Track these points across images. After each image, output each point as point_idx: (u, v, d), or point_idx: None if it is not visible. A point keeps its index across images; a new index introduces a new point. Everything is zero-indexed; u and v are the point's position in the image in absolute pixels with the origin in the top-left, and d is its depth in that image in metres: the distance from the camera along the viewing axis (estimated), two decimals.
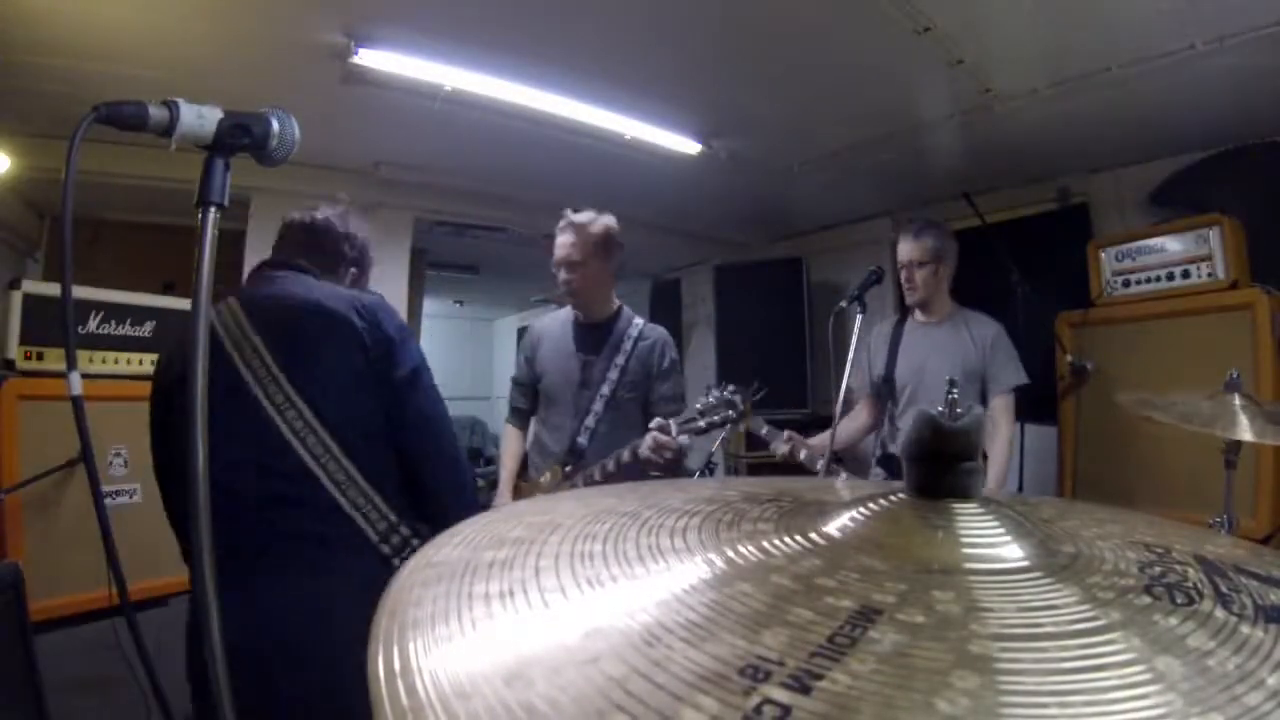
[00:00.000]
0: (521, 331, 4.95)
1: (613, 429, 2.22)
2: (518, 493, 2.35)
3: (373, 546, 1.13)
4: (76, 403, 0.75)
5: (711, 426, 2.02)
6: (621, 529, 0.41)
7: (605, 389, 2.21)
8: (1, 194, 2.90)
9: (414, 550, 0.47)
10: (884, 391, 2.43)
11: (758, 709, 0.24)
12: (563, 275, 2.24)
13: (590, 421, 2.21)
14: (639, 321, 2.33)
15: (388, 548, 1.14)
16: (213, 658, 0.69)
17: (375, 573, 1.09)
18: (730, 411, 2.02)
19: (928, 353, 2.36)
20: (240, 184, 2.18)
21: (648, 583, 0.34)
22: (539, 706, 0.25)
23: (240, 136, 0.78)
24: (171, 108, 0.75)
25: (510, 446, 2.43)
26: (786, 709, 0.24)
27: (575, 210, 2.26)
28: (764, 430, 2.37)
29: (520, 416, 2.45)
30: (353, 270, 1.51)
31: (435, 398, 1.29)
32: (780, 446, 2.32)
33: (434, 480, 1.24)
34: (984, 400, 2.24)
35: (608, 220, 2.26)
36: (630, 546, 0.38)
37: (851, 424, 2.50)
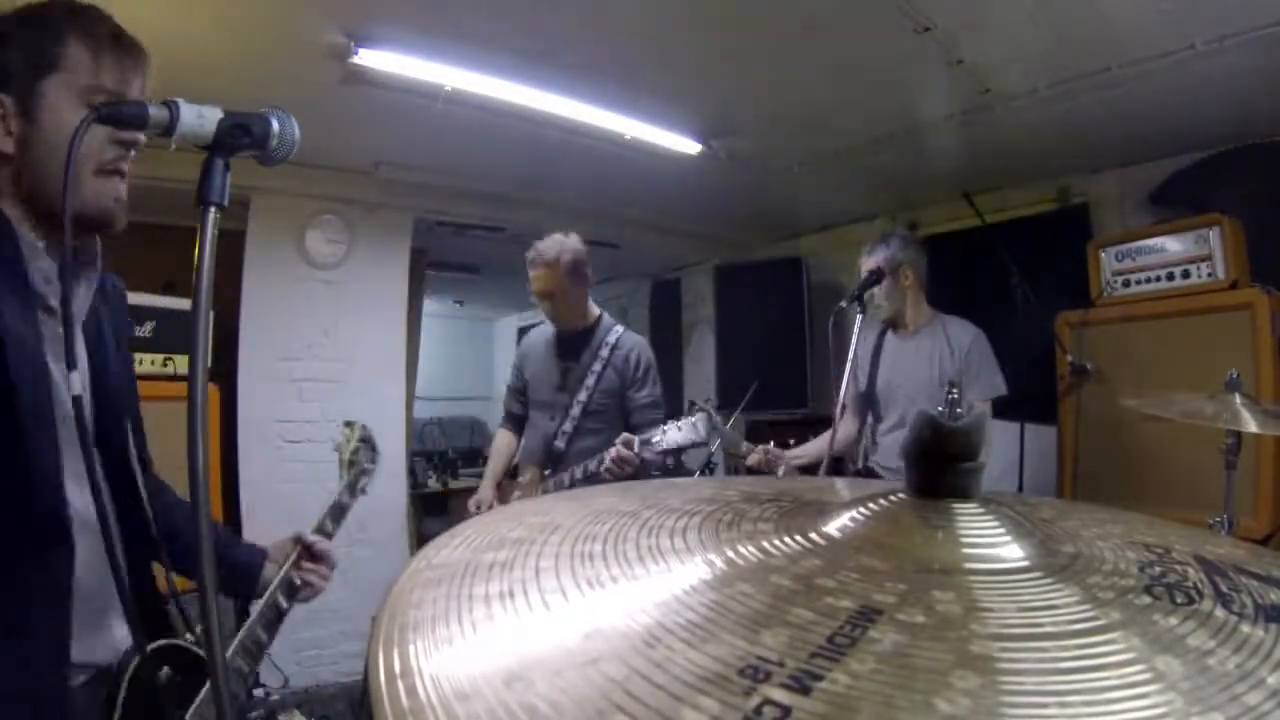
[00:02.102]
0: (521, 332, 4.97)
1: (589, 434, 2.34)
2: (500, 490, 2.50)
3: None
4: (76, 403, 0.75)
5: (667, 453, 2.10)
6: (621, 529, 0.41)
7: (581, 395, 2.35)
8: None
9: None
10: (866, 406, 2.44)
11: (758, 709, 0.24)
12: (544, 306, 2.39)
13: (567, 426, 2.35)
14: (618, 329, 2.44)
15: None
16: (213, 657, 0.69)
17: None
18: (694, 437, 2.10)
19: (903, 366, 2.36)
20: (240, 184, 2.19)
21: (648, 583, 0.34)
22: (539, 708, 0.25)
23: (240, 136, 0.78)
24: (171, 108, 0.75)
25: (499, 447, 2.59)
26: (786, 709, 0.24)
27: (541, 239, 2.37)
28: (743, 447, 2.49)
29: (512, 421, 2.60)
30: None
31: None
32: (754, 456, 2.41)
33: None
34: None
35: (574, 246, 2.35)
36: (630, 547, 0.38)
37: (835, 436, 2.50)
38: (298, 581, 1.22)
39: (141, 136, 0.88)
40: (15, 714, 0.82)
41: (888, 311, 2.36)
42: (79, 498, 0.86)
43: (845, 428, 2.51)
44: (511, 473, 2.57)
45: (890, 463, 2.35)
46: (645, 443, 2.09)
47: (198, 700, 0.97)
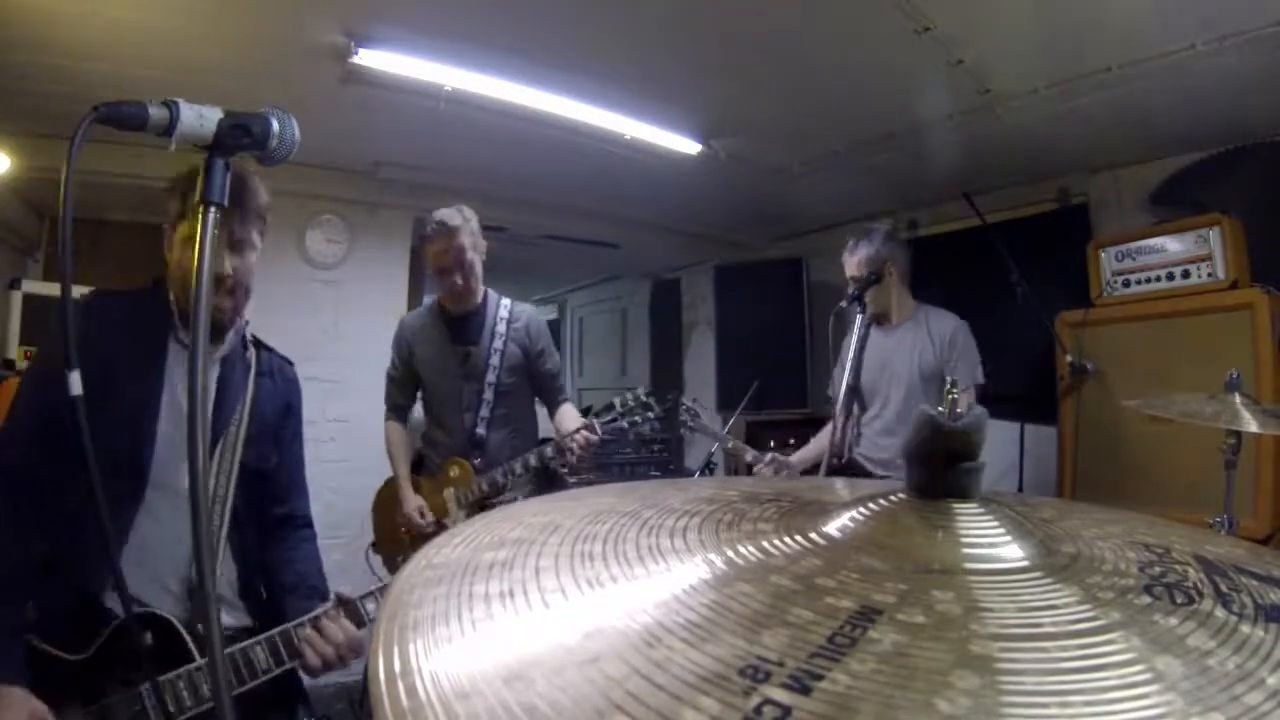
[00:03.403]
0: None
1: (506, 414, 2.28)
2: (418, 489, 2.34)
3: None
4: (76, 402, 0.75)
5: (632, 426, 2.14)
6: (621, 529, 0.41)
7: (490, 377, 2.25)
8: (1, 194, 2.90)
9: None
10: (852, 399, 2.44)
11: (758, 709, 0.24)
12: (449, 282, 2.25)
13: (485, 412, 2.25)
14: (505, 302, 2.34)
15: None
16: (213, 657, 0.69)
17: None
18: (649, 413, 2.14)
19: (886, 358, 2.38)
20: None
21: (648, 583, 0.34)
22: (539, 707, 0.25)
23: (240, 136, 0.79)
24: (171, 108, 0.75)
25: (397, 442, 2.40)
26: (786, 709, 0.24)
27: (434, 211, 2.29)
28: (749, 455, 2.50)
29: (401, 413, 2.44)
30: None
31: None
32: (764, 469, 2.40)
33: None
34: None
35: (472, 215, 2.29)
36: (630, 547, 0.38)
37: (825, 437, 2.51)
38: (295, 640, 1.19)
39: (228, 266, 1.25)
40: (55, 626, 1.12)
41: (874, 308, 2.37)
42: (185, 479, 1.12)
43: (837, 429, 2.52)
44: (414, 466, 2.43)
45: (872, 453, 2.37)
46: (606, 424, 2.10)
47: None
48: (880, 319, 2.42)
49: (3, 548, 1.12)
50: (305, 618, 1.22)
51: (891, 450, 2.32)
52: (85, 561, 1.16)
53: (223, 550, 1.27)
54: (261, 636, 1.18)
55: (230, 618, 1.28)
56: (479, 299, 2.31)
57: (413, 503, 2.28)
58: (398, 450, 2.39)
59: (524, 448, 2.23)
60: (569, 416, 2.26)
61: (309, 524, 1.51)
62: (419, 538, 2.20)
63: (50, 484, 1.13)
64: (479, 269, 2.27)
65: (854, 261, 2.37)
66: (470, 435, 2.26)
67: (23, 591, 1.12)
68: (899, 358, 2.35)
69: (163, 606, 1.18)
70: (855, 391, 2.43)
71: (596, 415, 2.15)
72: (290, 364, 1.53)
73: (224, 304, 1.27)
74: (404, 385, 2.41)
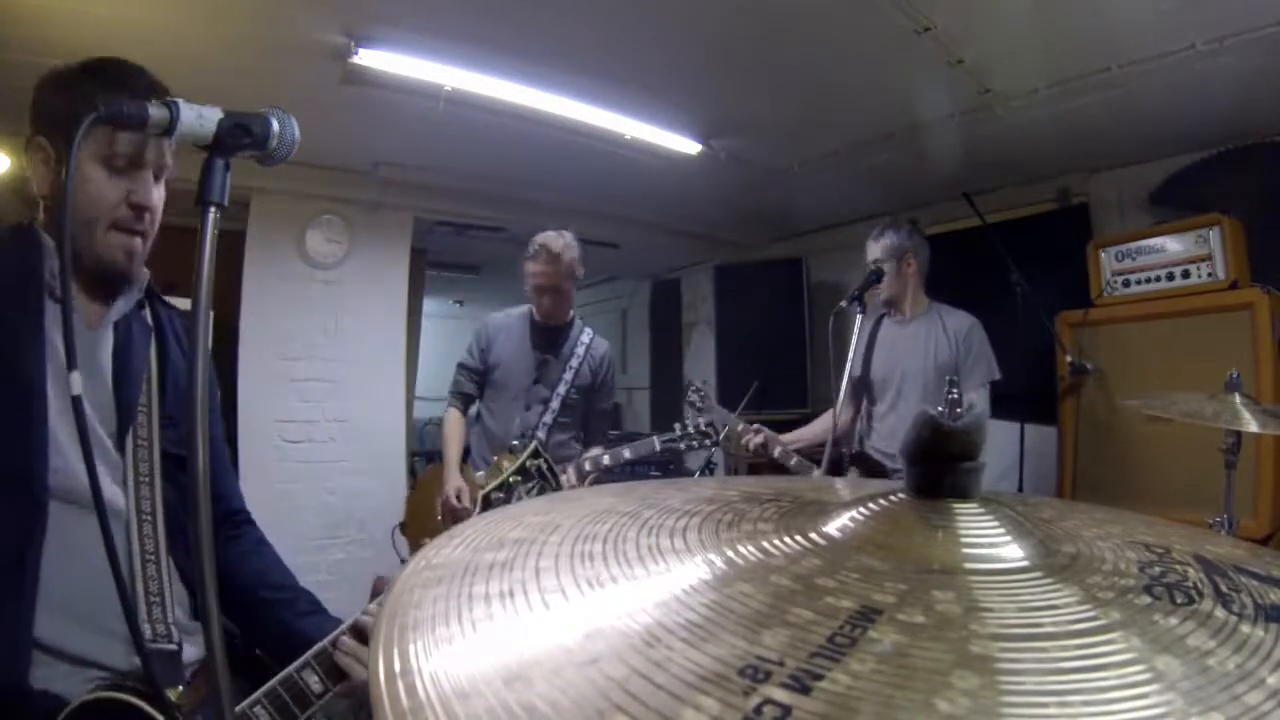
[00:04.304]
0: None
1: (562, 427, 2.44)
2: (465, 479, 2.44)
3: None
4: (76, 403, 0.75)
5: (688, 449, 2.31)
6: (621, 529, 0.41)
7: (561, 388, 2.42)
8: (1, 194, 2.90)
9: None
10: (861, 389, 2.44)
11: (758, 709, 0.24)
12: (542, 300, 2.42)
13: (548, 418, 2.41)
14: (589, 331, 2.52)
15: None
16: (213, 656, 0.69)
17: None
18: (708, 440, 2.31)
19: (901, 351, 2.38)
20: (240, 184, 2.18)
21: (648, 583, 0.34)
22: (539, 707, 0.25)
23: (240, 136, 0.78)
24: (171, 108, 0.75)
25: (455, 430, 2.49)
26: (787, 709, 0.24)
27: (540, 233, 2.43)
28: (739, 427, 2.51)
29: (466, 401, 2.55)
30: None
31: None
32: (752, 439, 2.44)
33: None
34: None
35: (574, 245, 2.42)
36: (630, 547, 0.38)
37: (825, 422, 2.51)
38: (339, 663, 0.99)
39: (155, 197, 1.00)
40: None
41: (886, 294, 2.38)
42: (110, 488, 0.94)
43: (842, 415, 2.52)
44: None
45: (884, 446, 2.38)
46: (665, 442, 2.28)
47: None
48: (892, 306, 2.43)
49: None
50: (344, 626, 1.01)
51: None
52: None
53: (167, 570, 0.99)
54: (308, 657, 0.97)
55: (192, 648, 0.99)
56: (567, 318, 2.49)
57: (454, 483, 2.37)
58: (453, 434, 2.48)
59: (564, 460, 2.36)
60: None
61: (251, 519, 1.24)
62: (452, 519, 2.29)
63: None
64: (571, 294, 2.46)
65: (878, 246, 2.39)
66: (530, 432, 2.38)
67: None
68: (913, 352, 2.35)
69: (112, 660, 0.91)
70: (865, 384, 2.43)
71: (659, 433, 2.31)
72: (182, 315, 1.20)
73: (133, 246, 1.00)
74: (473, 374, 2.53)
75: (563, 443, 2.43)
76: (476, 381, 2.52)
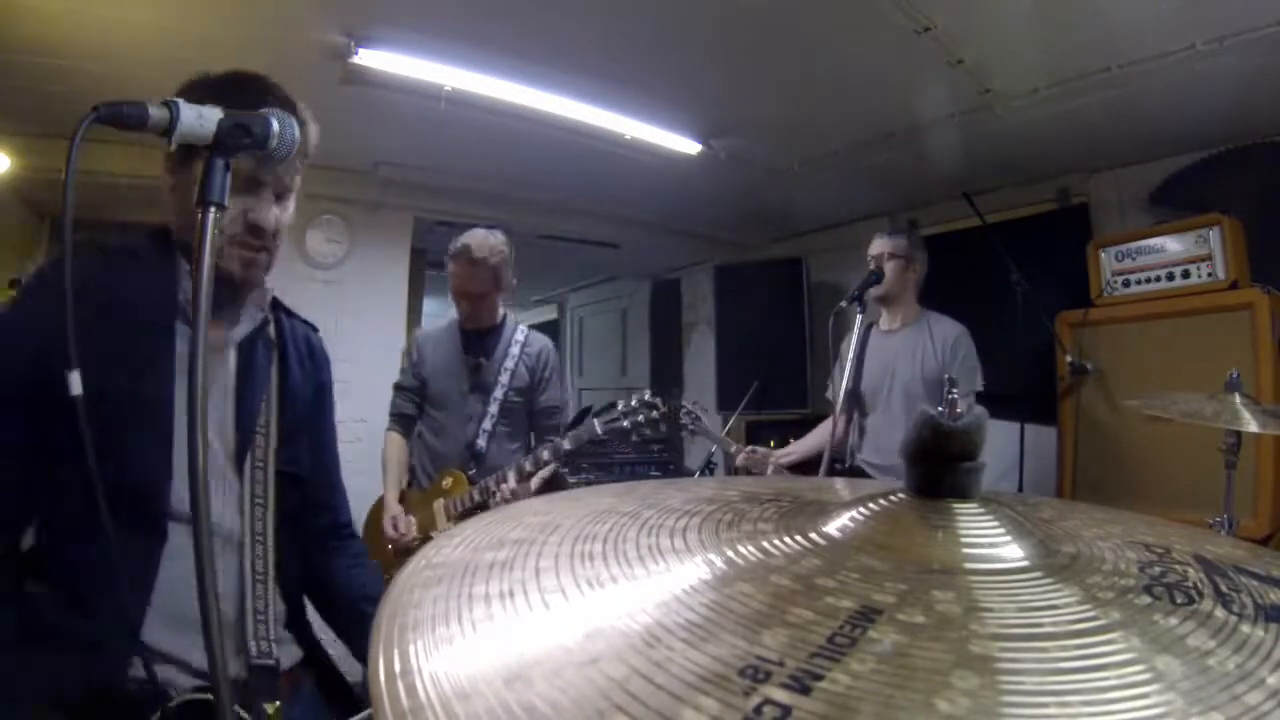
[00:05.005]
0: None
1: (510, 431, 2.30)
2: (406, 503, 2.30)
3: None
4: (76, 403, 0.75)
5: (635, 427, 2.08)
6: (621, 529, 0.41)
7: (498, 392, 2.27)
8: (1, 194, 2.90)
9: None
10: (853, 401, 2.45)
11: (758, 709, 0.24)
12: (462, 305, 2.30)
13: (487, 424, 2.26)
14: (523, 329, 2.39)
15: None
16: (212, 656, 0.69)
17: None
18: (653, 412, 2.09)
19: (889, 360, 2.38)
20: None
21: (648, 583, 0.34)
22: (539, 707, 0.25)
23: (240, 136, 0.78)
24: (171, 108, 0.75)
25: (395, 454, 2.37)
26: (786, 709, 0.24)
27: (464, 234, 2.28)
28: (732, 449, 2.53)
29: (405, 424, 2.42)
30: None
31: None
32: (740, 458, 2.45)
33: None
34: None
35: (503, 249, 2.27)
36: (630, 547, 0.38)
37: (822, 434, 2.51)
38: None
39: (272, 216, 1.02)
40: (71, 688, 0.85)
41: (885, 290, 2.37)
42: (226, 509, 0.99)
43: (833, 427, 2.52)
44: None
45: (874, 458, 2.37)
46: (606, 423, 2.09)
47: None
48: (887, 303, 2.42)
49: None
50: None
51: (895, 456, 2.31)
52: (96, 627, 0.88)
53: (273, 590, 1.03)
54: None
55: (286, 657, 1.03)
56: (496, 320, 2.35)
57: (391, 512, 2.25)
58: (392, 458, 2.37)
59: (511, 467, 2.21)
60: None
61: (354, 532, 1.28)
62: (401, 553, 2.17)
63: (30, 519, 0.91)
64: (495, 300, 2.31)
65: (889, 241, 2.38)
66: (470, 445, 2.26)
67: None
68: (901, 362, 2.34)
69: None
70: (856, 395, 2.43)
71: (598, 415, 2.13)
72: (315, 330, 1.24)
73: (252, 259, 1.01)
74: (410, 394, 2.40)
75: (511, 452, 2.28)
76: (415, 400, 2.39)
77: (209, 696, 0.86)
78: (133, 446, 0.91)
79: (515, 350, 2.31)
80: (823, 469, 2.24)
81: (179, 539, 0.93)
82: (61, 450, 0.85)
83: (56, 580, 0.90)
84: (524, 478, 2.10)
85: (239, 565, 1.00)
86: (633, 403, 2.11)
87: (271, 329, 1.12)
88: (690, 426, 2.75)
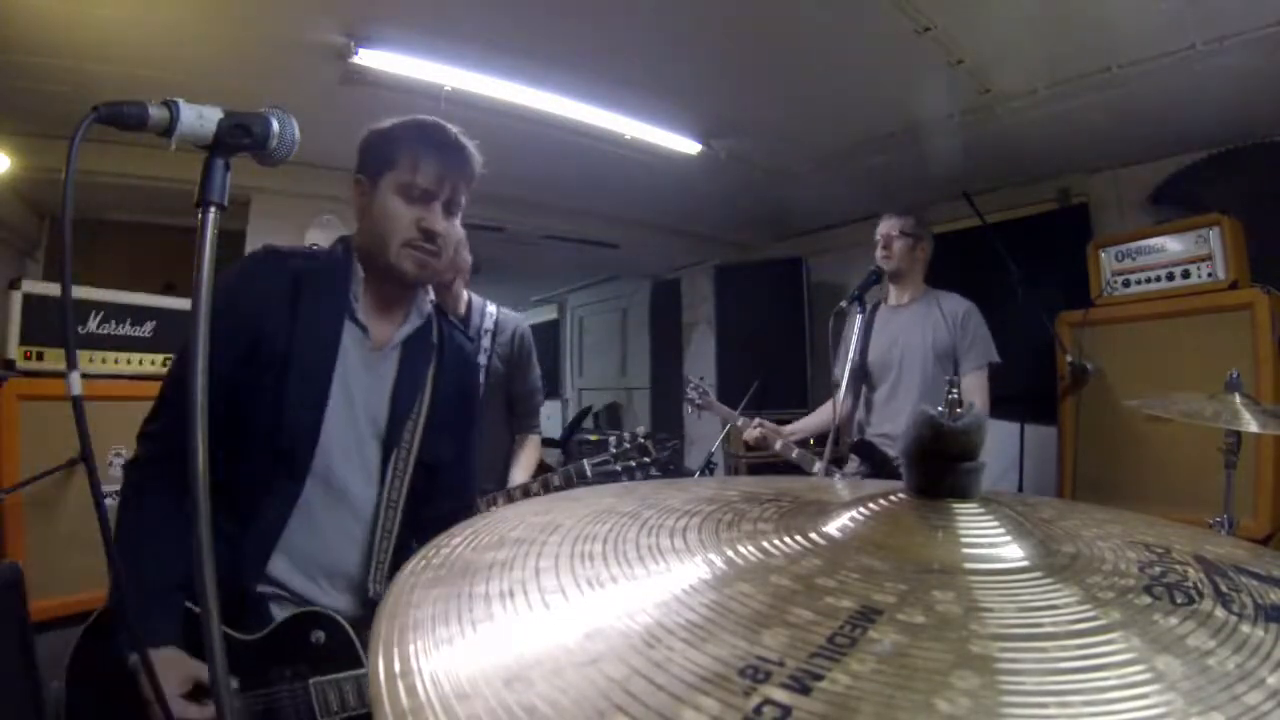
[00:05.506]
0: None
1: (490, 422, 2.12)
2: None
3: None
4: (76, 403, 0.75)
5: (626, 471, 1.92)
6: (621, 529, 0.41)
7: None
8: (1, 194, 2.90)
9: None
10: (860, 377, 2.43)
11: (758, 709, 0.24)
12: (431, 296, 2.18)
13: None
14: (491, 309, 2.23)
15: None
16: (212, 655, 0.69)
17: None
18: (646, 458, 1.94)
19: (898, 334, 2.37)
20: (240, 184, 2.18)
21: (648, 583, 0.34)
22: (539, 707, 0.25)
23: (240, 136, 0.79)
24: (171, 108, 0.75)
25: None
26: (786, 709, 0.24)
27: None
28: (739, 421, 2.49)
29: None
30: None
31: None
32: (750, 431, 2.42)
33: None
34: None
35: (461, 234, 2.16)
36: (630, 547, 0.38)
37: (825, 412, 2.49)
38: None
39: (442, 226, 1.19)
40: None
41: (894, 266, 2.37)
42: (356, 479, 1.17)
43: (842, 405, 2.51)
44: None
45: (888, 429, 2.36)
46: (596, 466, 1.91)
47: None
48: (897, 279, 2.41)
49: (166, 515, 1.03)
50: None
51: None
52: (237, 549, 1.08)
53: (393, 544, 1.20)
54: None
55: None
56: (462, 309, 2.20)
57: None
58: None
59: (494, 467, 2.11)
60: (527, 459, 2.14)
61: (478, 509, 1.43)
62: None
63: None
64: (457, 287, 2.15)
65: (899, 220, 2.38)
66: None
67: (181, 559, 1.00)
68: (912, 335, 2.33)
69: (335, 605, 1.14)
70: (863, 371, 2.42)
71: (589, 456, 1.95)
72: (471, 340, 1.41)
73: (425, 261, 1.17)
74: None
75: (490, 450, 2.11)
76: None
77: (327, 611, 1.11)
78: (291, 413, 1.10)
79: (486, 342, 2.17)
80: (828, 448, 2.21)
81: (312, 496, 1.12)
82: (244, 402, 1.07)
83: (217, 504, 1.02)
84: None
85: (371, 526, 1.18)
86: (625, 445, 1.96)
87: (434, 334, 1.28)
88: (698, 401, 2.75)
